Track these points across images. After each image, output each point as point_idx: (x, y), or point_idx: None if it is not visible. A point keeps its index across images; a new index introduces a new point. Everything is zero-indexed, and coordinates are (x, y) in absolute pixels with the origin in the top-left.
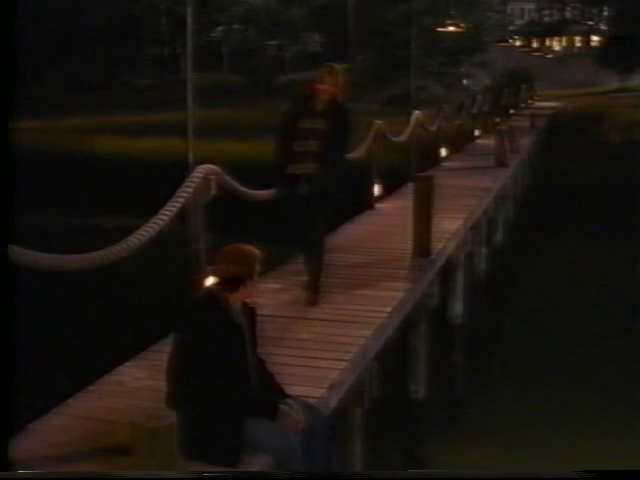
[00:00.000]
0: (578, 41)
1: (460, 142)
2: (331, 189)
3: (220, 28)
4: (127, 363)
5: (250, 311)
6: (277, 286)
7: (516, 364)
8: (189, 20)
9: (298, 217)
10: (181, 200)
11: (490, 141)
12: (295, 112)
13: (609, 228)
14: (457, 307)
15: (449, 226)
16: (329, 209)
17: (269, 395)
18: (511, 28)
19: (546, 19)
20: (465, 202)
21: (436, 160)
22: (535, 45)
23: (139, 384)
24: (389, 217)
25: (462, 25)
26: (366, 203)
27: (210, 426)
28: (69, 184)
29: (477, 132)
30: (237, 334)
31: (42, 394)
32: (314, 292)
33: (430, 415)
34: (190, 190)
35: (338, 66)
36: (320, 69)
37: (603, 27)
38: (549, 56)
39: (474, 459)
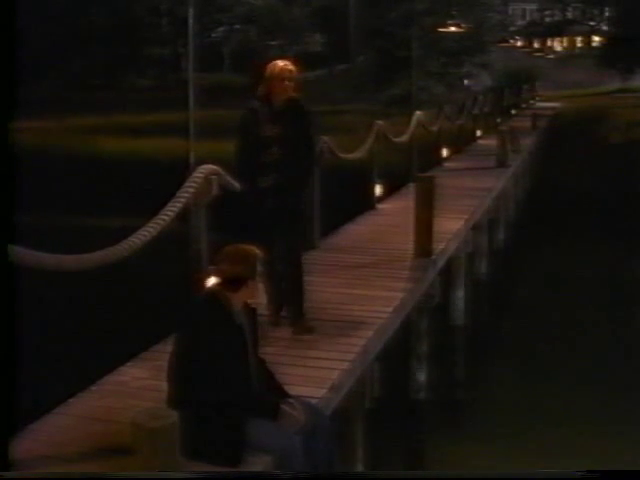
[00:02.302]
0: (579, 41)
1: (461, 142)
2: (301, 200)
3: (221, 28)
4: (128, 363)
5: (251, 311)
6: None
7: (517, 364)
8: (190, 20)
9: (268, 232)
10: (182, 200)
11: (491, 141)
12: (253, 118)
13: (610, 228)
14: (458, 307)
15: (450, 226)
16: (302, 223)
17: (270, 395)
18: (512, 28)
19: (547, 19)
20: (466, 202)
21: (437, 160)
22: (536, 45)
23: (140, 384)
24: (390, 217)
25: (463, 25)
26: (367, 203)
27: (211, 426)
28: (69, 184)
29: (478, 132)
30: (238, 334)
31: None
32: (301, 317)
33: (431, 415)
34: (191, 190)
35: (288, 60)
36: (270, 66)
37: (604, 27)
38: (550, 56)
39: (474, 459)
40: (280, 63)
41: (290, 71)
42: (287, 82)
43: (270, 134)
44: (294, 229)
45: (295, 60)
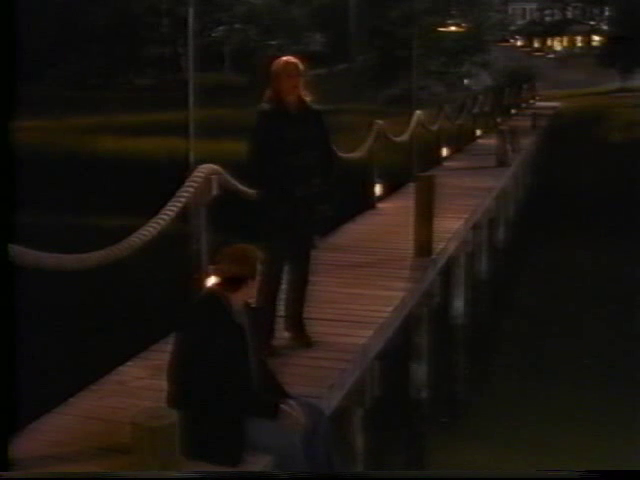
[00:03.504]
0: (579, 41)
1: (461, 142)
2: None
3: (221, 28)
4: (128, 363)
5: (252, 311)
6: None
7: (517, 364)
8: (190, 20)
9: (294, 239)
10: (182, 200)
11: (491, 141)
12: (274, 121)
13: (610, 228)
14: (458, 307)
15: (450, 226)
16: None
17: (270, 395)
18: (512, 28)
19: (547, 19)
20: (466, 202)
21: (437, 160)
22: (536, 45)
23: (140, 383)
24: (390, 217)
25: (463, 25)
26: (367, 203)
27: (211, 426)
28: (69, 184)
29: (478, 132)
30: (238, 334)
31: None
32: (301, 330)
33: (431, 415)
34: (191, 190)
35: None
36: (275, 64)
37: (604, 27)
38: (550, 56)
39: (474, 459)
40: (284, 58)
41: (295, 65)
42: (295, 78)
43: (295, 136)
44: (313, 237)
45: (300, 57)
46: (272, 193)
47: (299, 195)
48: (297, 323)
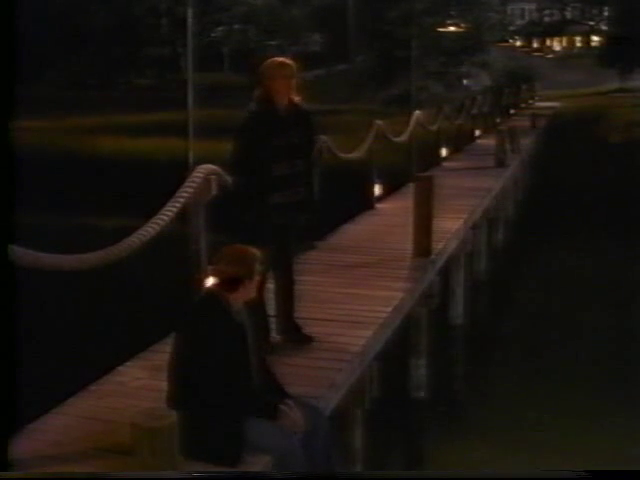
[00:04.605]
0: (578, 41)
1: (460, 142)
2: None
3: (220, 28)
4: (127, 363)
5: (252, 310)
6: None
7: (516, 364)
8: (189, 20)
9: (275, 247)
10: (182, 200)
11: (491, 141)
12: (263, 124)
13: (609, 228)
14: (457, 307)
15: (449, 226)
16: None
17: (270, 395)
18: (512, 28)
19: (546, 19)
20: (465, 202)
21: (437, 160)
22: (535, 45)
23: (139, 384)
24: (390, 217)
25: (462, 25)
26: (367, 203)
27: (211, 426)
28: (69, 184)
29: (477, 132)
30: (238, 334)
31: None
32: (297, 329)
33: (430, 415)
34: (191, 190)
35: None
36: (268, 64)
37: (603, 27)
38: (549, 56)
39: (474, 459)
40: (279, 59)
41: (291, 67)
42: (290, 80)
43: (284, 144)
44: (295, 241)
45: (294, 59)
46: (250, 198)
47: (278, 202)
48: (291, 325)
